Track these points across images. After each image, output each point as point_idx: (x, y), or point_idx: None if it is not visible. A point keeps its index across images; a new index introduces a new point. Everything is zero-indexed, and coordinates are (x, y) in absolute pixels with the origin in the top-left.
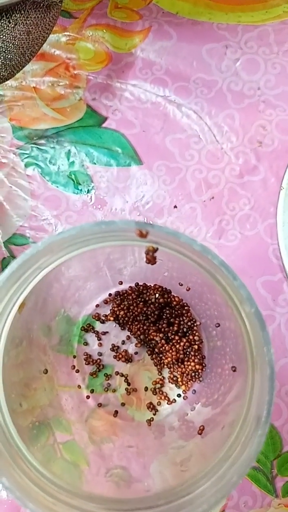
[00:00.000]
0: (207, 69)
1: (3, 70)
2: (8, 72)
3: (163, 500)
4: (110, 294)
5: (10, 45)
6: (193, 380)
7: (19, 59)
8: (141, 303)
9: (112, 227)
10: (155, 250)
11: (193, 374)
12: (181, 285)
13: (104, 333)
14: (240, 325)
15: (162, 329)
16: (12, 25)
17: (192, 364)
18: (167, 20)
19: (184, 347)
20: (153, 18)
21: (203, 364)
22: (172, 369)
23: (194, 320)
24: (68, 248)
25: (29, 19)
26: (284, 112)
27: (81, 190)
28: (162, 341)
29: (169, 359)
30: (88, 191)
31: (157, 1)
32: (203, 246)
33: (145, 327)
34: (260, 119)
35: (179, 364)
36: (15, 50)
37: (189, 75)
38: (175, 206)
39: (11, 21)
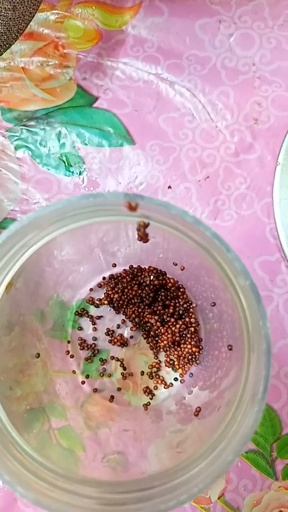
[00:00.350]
0: (200, 45)
1: None
2: None
3: (158, 481)
4: (104, 278)
5: None
6: (190, 363)
7: (5, 36)
8: (135, 286)
9: (100, 200)
10: (146, 225)
11: (190, 357)
12: (176, 264)
13: (99, 317)
14: (236, 301)
15: (158, 312)
16: None
17: (189, 346)
18: None
19: (180, 329)
20: None
21: (200, 347)
22: (168, 353)
23: (190, 302)
24: (56, 223)
25: None
26: (280, 88)
27: (72, 172)
28: (158, 323)
29: (165, 342)
30: (80, 173)
31: None
32: (195, 217)
33: (140, 310)
34: (256, 96)
35: (176, 347)
36: (1, 27)
37: (182, 52)
38: (169, 187)
39: None
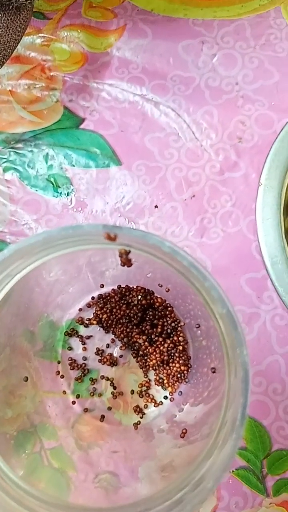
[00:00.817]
0: (184, 66)
1: None
2: None
3: (146, 506)
4: (93, 298)
5: None
6: (179, 381)
7: None
8: (124, 306)
9: (80, 231)
10: (128, 252)
11: (178, 375)
12: (161, 286)
13: (88, 337)
14: (216, 326)
15: (146, 331)
16: None
17: (177, 365)
18: (142, 17)
19: (168, 348)
20: (127, 16)
21: (189, 365)
22: (157, 371)
23: (178, 320)
24: (40, 252)
25: None
26: (263, 107)
27: (60, 193)
28: (146, 343)
29: (154, 361)
30: (68, 194)
31: None
32: (172, 247)
33: (128, 330)
34: (239, 115)
35: (164, 366)
36: None
37: (166, 73)
38: (156, 206)
39: None
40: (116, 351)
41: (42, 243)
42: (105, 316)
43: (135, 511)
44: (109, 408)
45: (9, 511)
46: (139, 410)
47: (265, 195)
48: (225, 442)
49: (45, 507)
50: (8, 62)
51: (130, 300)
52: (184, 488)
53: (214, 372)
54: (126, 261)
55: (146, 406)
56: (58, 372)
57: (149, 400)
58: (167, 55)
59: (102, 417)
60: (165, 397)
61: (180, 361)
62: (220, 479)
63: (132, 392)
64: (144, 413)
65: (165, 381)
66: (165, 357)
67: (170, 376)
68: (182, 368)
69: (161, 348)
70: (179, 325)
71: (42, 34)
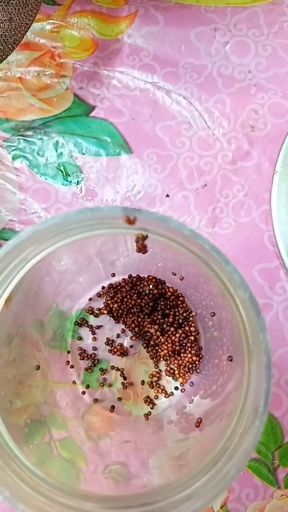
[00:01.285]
0: (196, 54)
1: None
2: None
3: (160, 496)
4: (103, 287)
5: None
6: (191, 372)
7: (1, 47)
8: (135, 295)
9: (98, 214)
10: (145, 237)
11: (190, 366)
12: (175, 274)
13: (98, 327)
14: (235, 313)
15: (157, 321)
16: None
17: (189, 355)
18: (153, 4)
19: (180, 338)
20: (139, 2)
21: (200, 356)
22: (168, 362)
23: (189, 310)
24: (54, 237)
25: (10, 5)
26: (276, 95)
27: (70, 181)
28: (157, 333)
29: (165, 351)
30: (78, 183)
31: None
32: (193, 230)
33: (139, 320)
34: (252, 103)
35: (176, 356)
36: None
37: (178, 60)
38: (167, 195)
39: None
40: (126, 341)
41: (59, 226)
42: (115, 305)
43: (152, 499)
44: (119, 399)
45: (23, 496)
46: (149, 401)
47: (280, 183)
48: (246, 430)
49: (58, 493)
50: (17, 48)
51: (141, 290)
52: (201, 478)
53: (231, 360)
54: (142, 247)
55: (156, 397)
56: (68, 362)
57: (160, 391)
58: (178, 42)
59: (112, 407)
60: (176, 388)
61: (192, 351)
62: (242, 467)
63: (143, 382)
64: (155, 404)
65: (176, 372)
66: (177, 347)
67: (182, 367)
68: (194, 358)
69: (173, 338)
70: (191, 315)
71: (52, 21)
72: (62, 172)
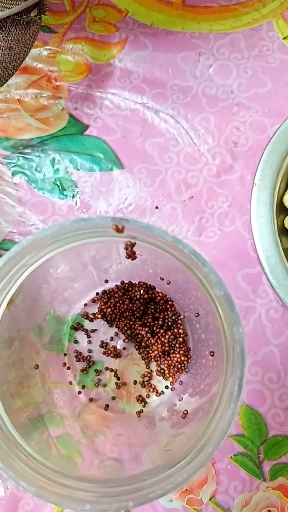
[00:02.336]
0: (182, 76)
1: None
2: None
3: (148, 476)
4: (97, 293)
5: None
6: (180, 371)
7: (2, 73)
8: (127, 300)
9: (90, 223)
10: (133, 244)
11: (179, 365)
12: (162, 279)
13: (93, 330)
14: (214, 311)
15: (148, 324)
16: None
17: (178, 356)
18: (142, 31)
19: (169, 340)
20: (129, 29)
21: (188, 356)
22: (159, 362)
23: (178, 314)
24: (51, 245)
25: (10, 35)
26: (257, 113)
27: (66, 195)
28: (148, 335)
29: (155, 352)
30: (73, 196)
31: (133, 13)
32: (174, 237)
33: (131, 323)
34: (234, 121)
35: (166, 356)
36: None
37: (166, 82)
38: (157, 207)
39: None
40: (119, 344)
41: (56, 234)
42: (109, 310)
43: (141, 479)
44: (113, 398)
45: (28, 478)
46: (141, 400)
47: (259, 194)
48: (224, 413)
49: (58, 476)
50: (16, 72)
51: (132, 295)
52: (184, 458)
53: (213, 355)
54: (131, 254)
55: (148, 396)
56: (65, 364)
57: (151, 389)
58: (166, 65)
59: (107, 406)
60: (166, 387)
61: (181, 352)
62: (219, 444)
63: (135, 382)
64: (147, 402)
65: (166, 372)
66: (166, 348)
67: (171, 367)
68: (182, 358)
69: (162, 339)
70: (179, 318)
71: (49, 47)
72: (59, 186)
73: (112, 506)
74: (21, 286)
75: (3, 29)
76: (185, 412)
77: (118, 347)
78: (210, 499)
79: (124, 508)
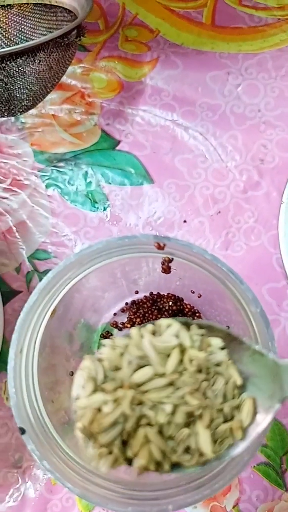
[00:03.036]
0: (211, 94)
1: (27, 101)
2: (31, 102)
3: (184, 481)
4: (126, 303)
5: (34, 79)
6: None
7: (41, 91)
8: (155, 311)
9: (134, 241)
10: (170, 260)
11: None
12: (193, 292)
13: None
14: (248, 326)
15: None
16: (37, 62)
17: None
18: (173, 50)
19: None
20: (160, 49)
21: None
22: None
23: None
24: (94, 260)
25: (51, 56)
26: (284, 132)
27: (97, 208)
28: None
29: None
30: (104, 209)
31: (164, 33)
32: (213, 255)
33: None
34: (261, 139)
35: None
36: (38, 83)
37: (195, 100)
38: (185, 221)
39: (35, 59)
40: None
41: (101, 250)
42: (138, 320)
43: (176, 484)
44: None
45: (68, 476)
46: None
47: (286, 212)
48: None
49: (94, 476)
50: None
51: (161, 306)
52: (217, 467)
53: None
54: (167, 268)
55: None
56: None
57: None
58: (195, 84)
59: None
60: None
61: None
62: (254, 453)
63: None
64: None
65: None
66: None
67: None
68: None
69: None
70: None
71: (83, 65)
72: (90, 199)
73: (153, 509)
74: (64, 297)
75: (46, 50)
76: None
77: None
78: (233, 507)
79: (163, 511)
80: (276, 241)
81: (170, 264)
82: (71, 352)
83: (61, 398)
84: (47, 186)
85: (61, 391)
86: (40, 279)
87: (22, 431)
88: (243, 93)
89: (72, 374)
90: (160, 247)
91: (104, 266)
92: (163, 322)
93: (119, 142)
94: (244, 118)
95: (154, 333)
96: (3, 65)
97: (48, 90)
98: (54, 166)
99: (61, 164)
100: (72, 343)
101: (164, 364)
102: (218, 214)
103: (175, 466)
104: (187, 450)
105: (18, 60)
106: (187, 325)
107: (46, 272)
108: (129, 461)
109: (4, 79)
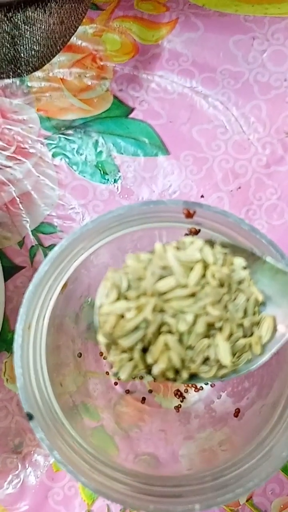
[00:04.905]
0: (234, 61)
1: (35, 59)
2: (39, 61)
3: (208, 477)
4: None
5: (44, 34)
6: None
7: (50, 49)
8: None
9: (160, 207)
10: (197, 232)
11: None
12: None
13: None
14: None
15: None
16: (48, 14)
17: None
18: (194, 12)
19: None
20: (179, 10)
21: None
22: None
23: None
24: (112, 228)
25: (63, 8)
26: None
27: (108, 180)
28: None
29: None
30: (115, 181)
31: None
32: (251, 225)
33: None
34: (287, 111)
35: None
36: (48, 40)
37: (216, 66)
38: (202, 196)
39: (46, 10)
40: None
41: (123, 216)
42: None
43: (201, 480)
44: (150, 391)
45: (80, 468)
46: (179, 394)
47: None
48: None
49: (104, 467)
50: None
51: None
52: (248, 462)
53: None
54: None
55: (186, 391)
56: (102, 353)
57: (190, 384)
58: (217, 49)
59: (143, 399)
60: (206, 383)
61: None
62: None
63: None
64: (185, 397)
65: None
66: None
67: None
68: None
69: None
70: None
71: (95, 25)
72: (100, 170)
73: (177, 508)
74: (76, 270)
75: (57, 1)
76: (237, 410)
77: None
78: (247, 501)
79: (190, 511)
80: None
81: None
82: (77, 333)
83: (66, 381)
84: (54, 155)
85: (66, 373)
86: (45, 254)
87: (30, 416)
88: (269, 60)
89: (80, 355)
90: (190, 215)
91: (116, 239)
92: (187, 239)
93: (132, 109)
94: (269, 88)
95: (178, 249)
96: (10, 14)
97: (58, 48)
98: (62, 134)
99: (70, 131)
100: (79, 324)
101: (187, 276)
102: (238, 189)
103: (193, 377)
104: (206, 361)
105: (27, 10)
106: (211, 244)
107: (51, 247)
108: (149, 371)
109: (11, 32)
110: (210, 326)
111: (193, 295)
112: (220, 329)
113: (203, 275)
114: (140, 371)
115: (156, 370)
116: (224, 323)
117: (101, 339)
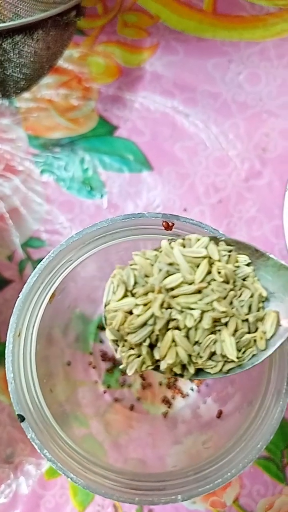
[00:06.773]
0: (212, 82)
1: (23, 82)
2: (27, 84)
3: (191, 472)
4: None
5: (31, 59)
6: None
7: (38, 72)
8: None
9: (140, 220)
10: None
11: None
12: None
13: None
14: None
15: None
16: (35, 41)
17: None
18: (174, 37)
19: None
20: (160, 35)
21: None
22: None
23: None
24: (96, 241)
25: (49, 35)
26: (286, 121)
27: (94, 195)
28: None
29: None
30: (101, 196)
31: (164, 19)
32: (224, 234)
33: None
34: (263, 128)
35: None
36: (35, 64)
37: (196, 87)
38: (185, 209)
39: (33, 37)
40: None
41: (106, 230)
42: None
43: (184, 475)
44: (138, 399)
45: (69, 466)
46: (166, 401)
47: None
48: (270, 410)
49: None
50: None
51: None
52: (228, 456)
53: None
54: None
55: (173, 397)
56: (90, 363)
57: (176, 391)
58: (196, 71)
59: (132, 406)
60: (191, 389)
61: None
62: (269, 439)
63: (160, 383)
64: (171, 404)
65: None
66: None
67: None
68: None
69: None
70: None
71: (80, 49)
72: (87, 186)
73: (161, 499)
74: (63, 281)
75: (44, 29)
76: (220, 411)
77: None
78: (233, 502)
79: (173, 502)
80: (278, 231)
81: None
82: (65, 344)
83: (57, 390)
84: (42, 172)
85: (56, 382)
86: (34, 268)
87: (21, 418)
88: (245, 81)
89: (69, 364)
90: (169, 227)
91: (102, 251)
92: (193, 236)
93: (117, 128)
94: (246, 107)
95: (183, 246)
96: (0, 41)
97: (45, 71)
98: (50, 152)
99: (57, 149)
100: (67, 334)
101: (193, 273)
102: (219, 203)
103: (199, 372)
104: (212, 357)
105: (15, 37)
106: (215, 241)
107: (40, 260)
108: (156, 367)
109: (0, 57)
110: (216, 321)
111: (199, 291)
112: (226, 324)
113: (209, 272)
114: (147, 367)
115: (163, 365)
116: (230, 318)
117: (109, 335)
